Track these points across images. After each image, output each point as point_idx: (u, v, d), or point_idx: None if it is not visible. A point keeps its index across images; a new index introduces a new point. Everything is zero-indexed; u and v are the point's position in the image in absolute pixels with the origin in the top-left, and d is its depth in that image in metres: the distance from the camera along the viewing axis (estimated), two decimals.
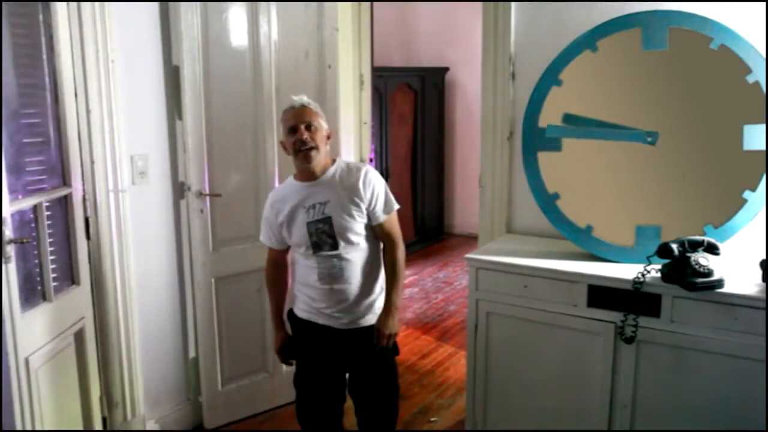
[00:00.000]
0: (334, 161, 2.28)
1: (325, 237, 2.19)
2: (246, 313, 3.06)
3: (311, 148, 2.17)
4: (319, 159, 2.21)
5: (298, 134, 2.17)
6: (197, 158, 2.79)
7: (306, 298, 2.30)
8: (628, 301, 2.17)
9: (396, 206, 2.29)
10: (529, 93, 2.47)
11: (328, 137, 2.26)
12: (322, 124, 2.23)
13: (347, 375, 2.38)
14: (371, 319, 2.27)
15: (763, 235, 2.27)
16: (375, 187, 2.22)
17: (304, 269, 2.28)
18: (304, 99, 2.24)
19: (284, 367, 3.16)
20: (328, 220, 2.18)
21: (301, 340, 2.37)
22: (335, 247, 2.19)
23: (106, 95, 2.51)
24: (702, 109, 2.25)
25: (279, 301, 2.44)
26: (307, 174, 2.23)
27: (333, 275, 2.21)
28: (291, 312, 2.39)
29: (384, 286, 2.30)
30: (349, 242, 2.20)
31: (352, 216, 2.19)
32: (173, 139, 2.83)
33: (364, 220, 2.22)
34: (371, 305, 2.28)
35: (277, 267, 2.42)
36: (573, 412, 2.35)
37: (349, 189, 2.20)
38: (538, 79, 2.44)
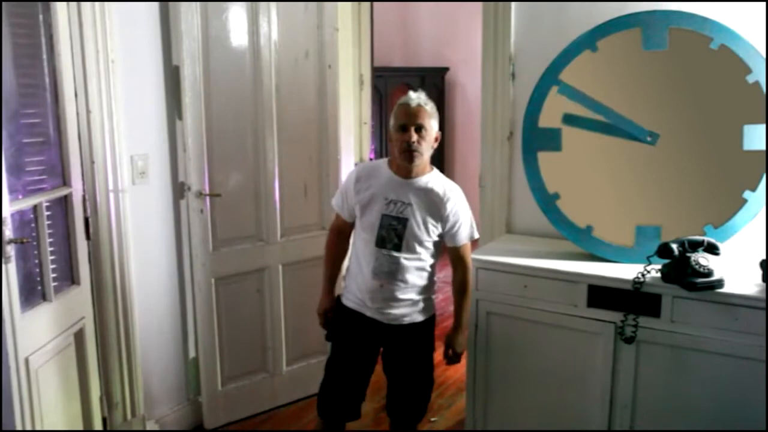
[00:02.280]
0: (432, 169, 2.29)
1: (393, 235, 2.21)
2: (246, 313, 3.06)
3: (416, 152, 2.18)
4: (421, 162, 2.21)
5: (407, 135, 2.17)
6: (197, 158, 2.79)
7: (355, 289, 2.32)
8: (628, 301, 2.17)
9: (476, 235, 2.34)
10: (529, 93, 2.47)
11: (436, 140, 2.26)
12: (433, 126, 2.23)
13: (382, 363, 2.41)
14: (415, 317, 2.30)
15: (763, 235, 2.27)
16: (461, 215, 2.25)
17: (361, 259, 2.29)
18: (422, 98, 2.22)
19: (284, 367, 3.17)
20: (403, 222, 2.20)
21: (344, 328, 2.37)
22: (399, 248, 2.21)
23: (106, 95, 2.51)
24: (702, 109, 2.25)
25: (336, 265, 2.46)
26: (403, 170, 2.24)
27: (387, 273, 2.22)
28: (338, 299, 2.41)
29: (432, 292, 2.35)
30: (413, 249, 2.22)
31: (426, 228, 2.21)
32: (173, 139, 2.83)
33: (436, 237, 2.25)
34: (415, 305, 2.30)
35: (340, 233, 2.42)
36: (573, 412, 2.35)
37: (436, 205, 2.22)
38: (538, 79, 2.44)
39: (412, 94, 2.23)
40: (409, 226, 2.20)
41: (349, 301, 2.35)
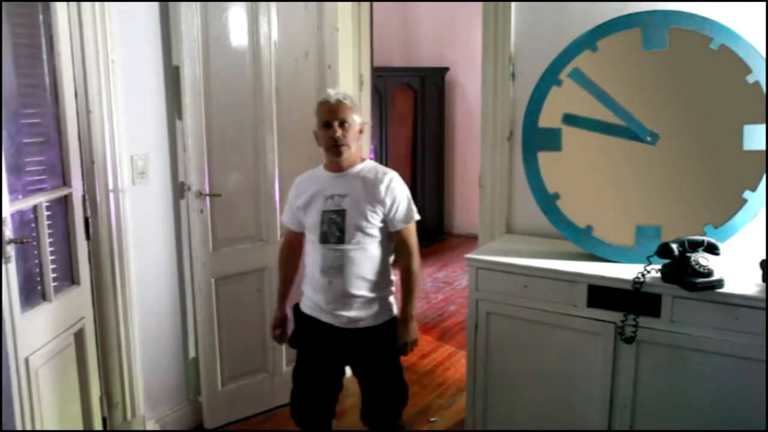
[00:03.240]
0: (363, 160, 2.32)
1: (335, 229, 2.22)
2: (246, 313, 3.06)
3: (342, 145, 2.22)
4: (349, 155, 2.25)
5: (332, 131, 2.22)
6: (197, 158, 2.79)
7: (310, 292, 2.32)
8: (628, 301, 2.17)
9: (416, 217, 2.31)
10: (529, 93, 2.47)
11: (361, 131, 2.31)
12: (356, 120, 2.27)
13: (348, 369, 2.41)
14: (371, 321, 2.27)
15: (763, 235, 2.27)
16: (398, 195, 2.25)
17: (311, 260, 2.31)
18: (341, 93, 2.28)
19: (284, 366, 3.17)
20: (341, 213, 2.22)
21: (304, 336, 2.37)
22: (342, 241, 2.21)
23: (106, 95, 2.51)
24: (702, 109, 2.25)
25: (287, 279, 2.49)
26: (334, 166, 2.28)
27: (334, 268, 2.23)
28: (297, 306, 2.41)
29: (389, 292, 2.33)
30: (356, 240, 2.21)
31: (365, 216, 2.21)
32: (173, 139, 2.83)
33: (378, 223, 2.24)
34: (369, 306, 2.27)
35: (291, 248, 2.46)
36: (573, 412, 2.35)
37: (370, 190, 2.23)
38: (538, 79, 2.44)
39: (330, 92, 2.29)
40: (348, 216, 2.21)
41: (306, 307, 2.35)
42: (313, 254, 2.29)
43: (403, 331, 2.30)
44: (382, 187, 2.23)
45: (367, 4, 3.59)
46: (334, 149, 2.23)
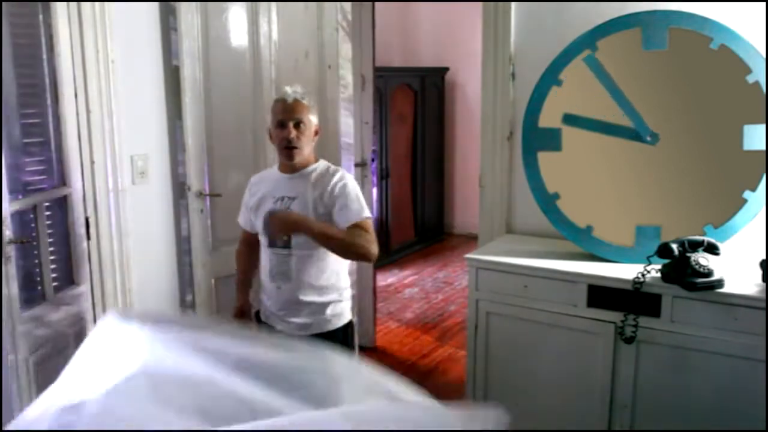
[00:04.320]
0: (317, 160, 2.24)
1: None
2: None
3: (295, 148, 2.14)
4: (302, 157, 2.17)
5: (286, 131, 2.13)
6: (197, 158, 2.79)
7: (263, 298, 2.26)
8: (628, 301, 2.17)
9: (365, 215, 2.14)
10: (529, 93, 2.47)
11: (316, 133, 2.22)
12: (312, 120, 2.18)
13: None
14: (321, 327, 2.18)
15: (763, 235, 2.27)
16: (348, 193, 2.13)
17: (262, 264, 2.24)
18: (298, 92, 2.17)
19: None
20: None
21: None
22: (288, 245, 2.14)
23: (106, 95, 2.51)
24: (702, 109, 2.25)
25: (245, 269, 2.41)
26: (286, 167, 2.21)
27: (281, 273, 2.16)
28: (257, 314, 2.35)
29: (340, 297, 2.22)
30: (303, 243, 2.11)
31: (315, 210, 2.12)
32: (173, 139, 2.83)
33: (326, 219, 2.13)
34: (319, 313, 2.18)
35: (247, 245, 2.38)
36: (573, 412, 2.35)
37: (319, 191, 2.14)
38: (538, 79, 2.44)
39: (288, 89, 2.18)
40: None
41: (262, 315, 2.29)
42: (264, 257, 2.22)
43: (298, 216, 2.10)
44: (329, 187, 2.13)
45: (369, 4, 3.59)
46: (286, 151, 2.15)
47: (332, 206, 2.12)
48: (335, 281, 2.20)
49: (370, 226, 2.14)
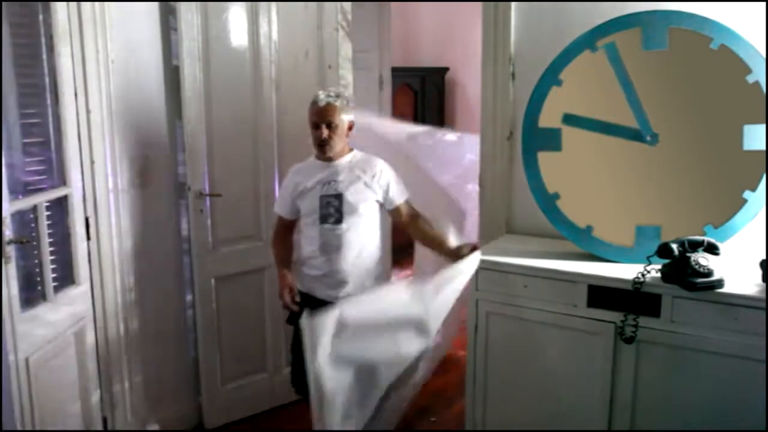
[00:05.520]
0: (351, 150, 2.53)
1: (333, 210, 2.43)
2: (246, 313, 3.06)
3: (327, 146, 2.44)
4: (334, 152, 2.47)
5: (319, 132, 2.43)
6: (197, 158, 2.79)
7: (306, 270, 2.51)
8: (628, 301, 2.17)
9: (407, 194, 2.55)
10: (529, 93, 2.47)
11: (350, 128, 2.49)
12: (343, 120, 2.45)
13: None
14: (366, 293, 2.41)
15: (763, 235, 2.27)
16: (390, 177, 2.49)
17: (308, 240, 2.50)
18: (331, 95, 2.45)
19: (284, 366, 3.17)
20: (339, 197, 2.44)
21: (300, 311, 2.37)
22: (339, 221, 2.43)
23: (106, 95, 2.51)
24: (702, 109, 2.25)
25: (286, 254, 2.61)
26: (324, 158, 2.49)
27: (332, 247, 2.44)
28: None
29: (382, 270, 2.56)
30: (351, 220, 2.43)
31: (360, 194, 2.43)
32: (173, 139, 2.83)
33: (373, 203, 2.47)
34: (363, 284, 2.46)
35: (284, 230, 2.63)
36: (573, 412, 2.35)
37: (362, 173, 2.46)
38: (538, 79, 2.44)
39: (321, 94, 2.46)
40: (345, 198, 2.43)
41: (302, 286, 2.52)
42: (311, 234, 2.48)
43: (458, 250, 2.41)
44: (376, 168, 2.48)
45: (388, 5, 3.57)
46: (320, 148, 2.46)
47: (386, 186, 2.49)
48: (375, 252, 2.53)
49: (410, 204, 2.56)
